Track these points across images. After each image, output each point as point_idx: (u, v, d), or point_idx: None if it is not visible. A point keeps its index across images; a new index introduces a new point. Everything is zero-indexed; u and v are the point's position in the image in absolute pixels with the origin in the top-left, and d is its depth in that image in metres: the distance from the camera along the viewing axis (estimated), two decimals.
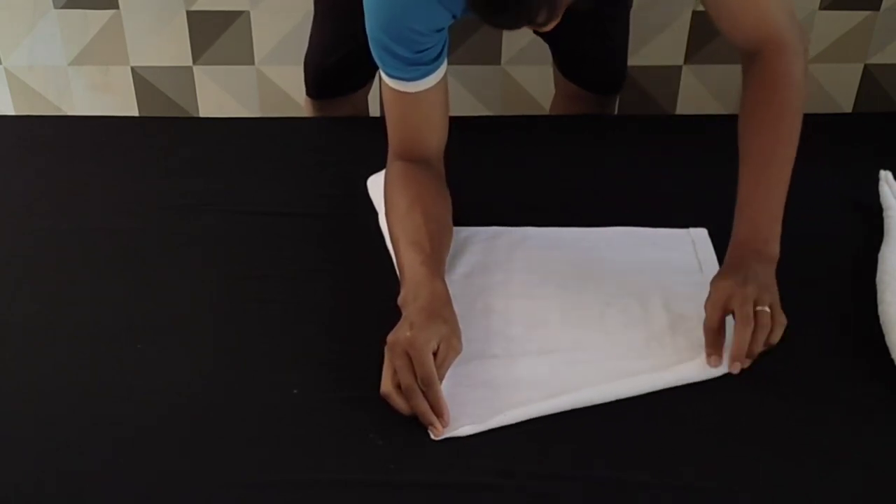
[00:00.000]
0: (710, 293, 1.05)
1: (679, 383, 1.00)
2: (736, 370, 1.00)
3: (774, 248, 1.09)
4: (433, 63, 1.11)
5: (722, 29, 1.16)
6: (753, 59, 1.14)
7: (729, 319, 1.03)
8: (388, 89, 1.14)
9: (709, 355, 1.01)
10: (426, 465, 0.92)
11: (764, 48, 1.13)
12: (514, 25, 0.91)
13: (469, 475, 0.91)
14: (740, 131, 1.14)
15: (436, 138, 1.19)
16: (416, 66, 1.10)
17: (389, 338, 0.98)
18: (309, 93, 1.60)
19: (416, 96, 1.13)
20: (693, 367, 1.02)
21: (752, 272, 1.05)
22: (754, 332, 1.00)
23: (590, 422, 0.97)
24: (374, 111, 1.68)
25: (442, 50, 1.11)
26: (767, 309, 1.02)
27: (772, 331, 1.02)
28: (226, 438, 0.95)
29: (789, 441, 0.95)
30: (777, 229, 1.09)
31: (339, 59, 1.51)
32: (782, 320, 1.03)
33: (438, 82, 1.13)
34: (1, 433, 0.95)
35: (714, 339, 1.02)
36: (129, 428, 0.96)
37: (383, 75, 1.13)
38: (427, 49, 1.09)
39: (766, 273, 1.06)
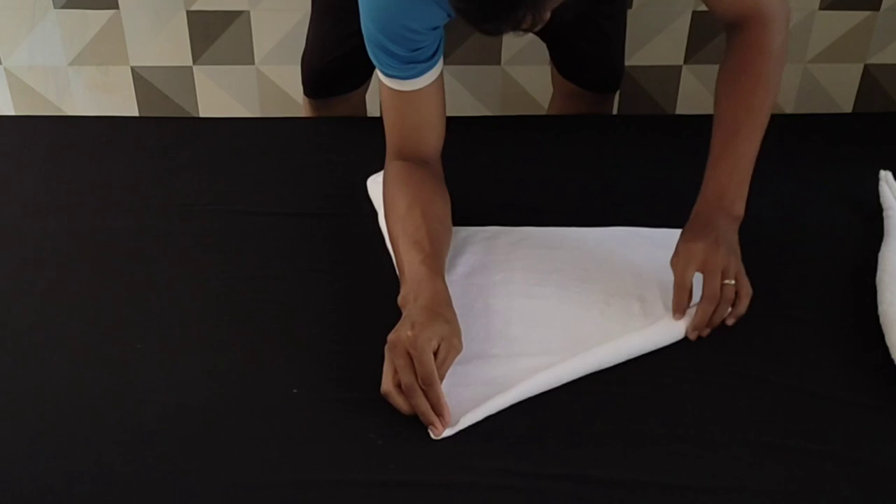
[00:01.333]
0: (679, 251, 1.10)
1: (649, 347, 1.05)
2: (693, 337, 1.06)
3: (740, 208, 1.14)
4: (429, 61, 1.11)
5: (707, 2, 1.19)
6: (735, 29, 1.17)
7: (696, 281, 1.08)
8: (385, 89, 1.14)
9: (675, 312, 1.07)
10: (426, 465, 0.92)
11: (746, 19, 1.15)
12: (498, 31, 0.91)
13: (469, 475, 0.91)
14: (717, 95, 1.18)
15: (433, 137, 1.19)
16: (412, 64, 1.10)
17: (390, 337, 0.98)
18: (306, 92, 1.61)
19: (412, 95, 1.13)
20: (659, 330, 1.06)
21: (721, 232, 1.10)
22: (717, 305, 1.06)
23: (590, 422, 0.97)
24: (372, 111, 1.68)
25: (438, 48, 1.11)
26: (733, 282, 1.07)
27: (739, 302, 1.07)
28: (226, 438, 0.95)
29: (789, 441, 0.95)
30: (744, 191, 1.14)
31: (336, 59, 1.51)
32: (748, 290, 1.08)
33: (435, 80, 1.13)
34: (1, 433, 0.95)
35: (685, 299, 1.07)
36: (130, 428, 0.96)
37: (380, 75, 1.14)
38: (423, 47, 1.09)
39: (732, 231, 1.12)
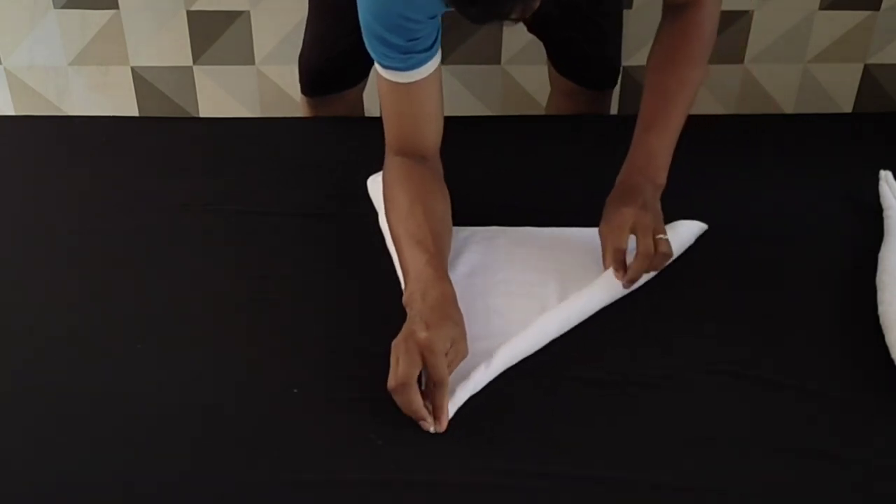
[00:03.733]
0: (610, 216, 1.15)
1: (599, 304, 1.11)
2: (626, 287, 1.12)
3: (664, 177, 1.20)
4: (427, 52, 1.11)
5: None
6: (674, 10, 1.23)
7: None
8: (384, 82, 1.14)
9: (617, 270, 1.12)
10: (426, 465, 0.92)
11: (688, 3, 1.21)
12: (484, 18, 0.90)
13: (469, 475, 0.91)
14: (649, 67, 1.25)
15: (432, 131, 1.19)
16: (410, 54, 1.09)
17: (402, 335, 0.97)
18: (304, 91, 1.60)
19: (410, 87, 1.13)
20: (604, 288, 1.12)
21: (647, 198, 1.16)
22: (654, 258, 1.12)
23: (590, 422, 0.97)
24: (370, 110, 1.68)
25: (435, 39, 1.11)
26: (666, 237, 1.12)
27: (659, 259, 1.12)
28: (226, 438, 0.95)
29: (789, 441, 0.95)
30: (668, 161, 1.20)
31: (333, 57, 1.51)
32: (671, 252, 1.13)
33: (433, 73, 1.13)
34: (1, 433, 0.95)
35: (624, 261, 1.12)
36: (129, 428, 0.96)
37: (378, 68, 1.13)
38: (420, 37, 1.08)
39: (655, 198, 1.18)
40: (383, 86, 1.15)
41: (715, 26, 1.23)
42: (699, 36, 1.22)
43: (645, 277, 1.14)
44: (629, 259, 1.12)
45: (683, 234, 1.21)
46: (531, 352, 1.05)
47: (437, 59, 1.13)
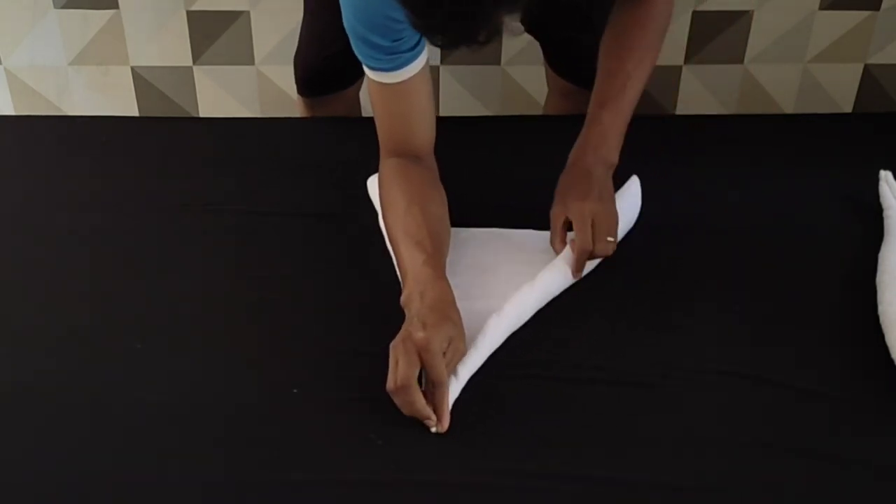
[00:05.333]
0: (569, 204, 1.16)
1: (556, 286, 1.14)
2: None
3: (616, 156, 1.22)
4: (412, 51, 1.11)
5: None
6: (627, 3, 1.25)
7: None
8: (373, 84, 1.14)
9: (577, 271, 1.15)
10: (426, 465, 0.92)
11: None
12: (450, 48, 0.91)
13: (469, 475, 0.91)
14: (606, 46, 1.26)
15: (424, 130, 1.19)
16: (396, 54, 1.10)
17: (400, 335, 0.97)
18: (300, 91, 1.60)
19: (399, 87, 1.13)
20: (560, 273, 1.14)
21: (602, 183, 1.19)
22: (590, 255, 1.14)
23: (590, 422, 0.97)
24: (367, 110, 1.68)
25: (420, 38, 1.10)
26: (612, 241, 1.15)
27: (596, 245, 1.14)
28: (225, 438, 0.95)
29: (789, 441, 0.95)
30: (621, 141, 1.22)
31: (327, 57, 1.51)
32: (613, 247, 1.16)
33: (420, 71, 1.13)
34: (1, 433, 0.95)
35: (563, 242, 1.17)
36: (129, 428, 0.96)
37: (366, 70, 1.14)
38: (404, 37, 1.08)
39: (608, 177, 1.21)
40: (373, 88, 1.15)
41: (667, 21, 1.26)
42: (656, 19, 1.24)
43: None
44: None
45: (629, 207, 1.24)
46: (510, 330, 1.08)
47: (424, 57, 1.13)
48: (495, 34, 0.88)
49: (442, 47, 0.92)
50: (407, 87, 1.13)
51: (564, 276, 1.15)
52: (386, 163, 1.19)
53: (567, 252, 1.15)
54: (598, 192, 1.17)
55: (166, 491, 0.89)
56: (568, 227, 1.17)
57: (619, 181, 1.25)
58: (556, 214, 1.18)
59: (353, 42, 1.11)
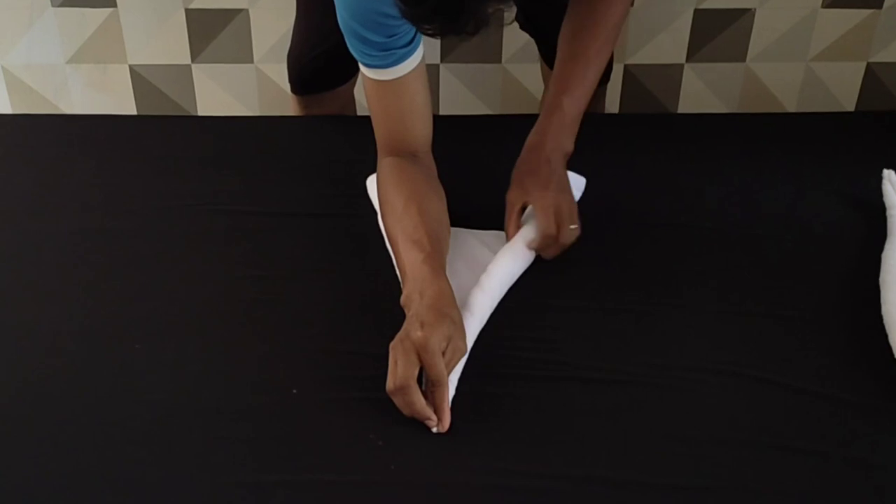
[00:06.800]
0: (530, 191, 1.18)
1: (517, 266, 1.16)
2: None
3: (572, 144, 1.24)
4: (407, 47, 1.10)
5: None
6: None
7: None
8: (369, 81, 1.14)
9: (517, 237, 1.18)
10: (426, 465, 0.92)
11: None
12: (438, 36, 0.92)
13: (469, 475, 0.91)
14: (565, 35, 1.27)
15: (421, 127, 1.19)
16: (390, 51, 1.09)
17: (399, 336, 0.97)
18: (294, 89, 1.60)
19: (395, 84, 1.13)
20: (521, 254, 1.16)
21: (558, 171, 1.21)
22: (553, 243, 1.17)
23: (590, 422, 0.97)
24: (362, 108, 1.67)
25: (415, 34, 1.10)
26: (575, 227, 1.17)
27: (561, 232, 1.16)
28: (225, 438, 0.94)
29: (789, 441, 0.95)
30: (577, 129, 1.24)
31: (320, 54, 1.50)
32: (577, 233, 1.18)
33: (416, 68, 1.13)
34: (1, 433, 0.95)
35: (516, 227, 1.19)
36: (129, 428, 0.95)
37: (362, 68, 1.13)
38: (398, 33, 1.08)
39: (563, 165, 1.23)
40: (368, 85, 1.15)
41: (626, 10, 1.27)
42: (613, 14, 1.25)
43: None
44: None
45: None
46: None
47: (419, 54, 1.13)
48: (483, 25, 0.89)
49: (432, 36, 0.93)
50: (402, 83, 1.13)
51: (524, 257, 1.16)
52: (383, 162, 1.19)
53: (524, 235, 1.17)
54: (558, 181, 1.19)
55: (166, 491, 0.88)
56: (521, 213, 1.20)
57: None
58: (513, 200, 1.20)
59: (347, 39, 1.11)
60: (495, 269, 1.13)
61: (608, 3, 1.24)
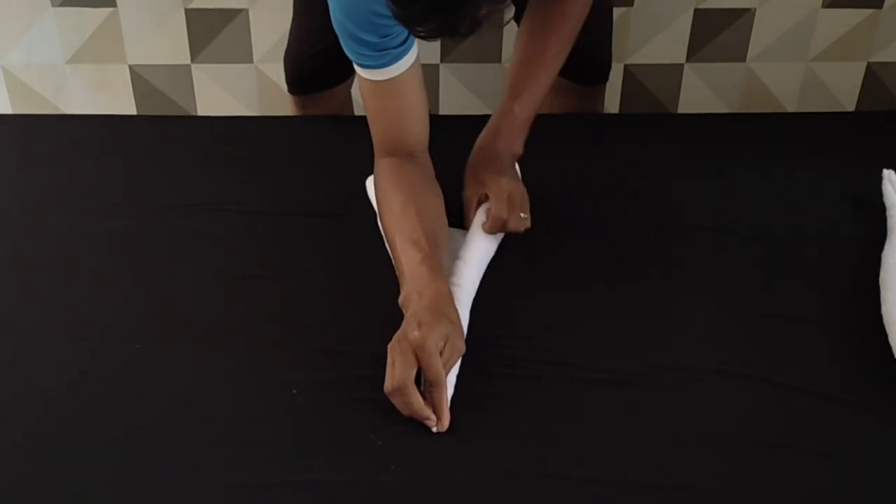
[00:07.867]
0: (486, 181, 1.20)
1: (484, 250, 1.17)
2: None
3: (521, 146, 1.27)
4: (402, 47, 1.10)
5: None
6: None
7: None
8: (364, 82, 1.14)
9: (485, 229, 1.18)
10: (426, 465, 0.91)
11: None
12: (432, 38, 0.93)
13: (469, 475, 0.90)
14: (522, 39, 1.29)
15: (417, 127, 1.19)
16: (385, 51, 1.10)
17: (396, 336, 0.97)
18: (291, 89, 1.60)
19: (390, 84, 1.13)
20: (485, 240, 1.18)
21: (507, 167, 1.23)
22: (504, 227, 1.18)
23: (589, 422, 0.97)
24: (360, 109, 1.67)
25: (409, 34, 1.10)
26: (525, 217, 1.19)
27: (510, 217, 1.17)
28: (225, 438, 0.94)
29: (789, 441, 0.95)
30: (527, 132, 1.27)
31: (317, 54, 1.50)
32: (528, 223, 1.20)
33: (411, 68, 1.13)
34: (1, 433, 0.94)
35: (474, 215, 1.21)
36: (129, 428, 0.95)
37: (357, 68, 1.14)
38: (392, 33, 1.08)
39: (514, 167, 1.26)
40: (364, 86, 1.15)
41: (583, 18, 1.28)
42: (570, 21, 1.27)
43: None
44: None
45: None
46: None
47: (414, 53, 1.13)
48: (477, 26, 0.89)
49: (424, 38, 0.93)
50: (398, 83, 1.13)
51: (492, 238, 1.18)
52: (380, 163, 1.19)
53: (480, 218, 1.19)
54: (511, 174, 1.23)
55: (166, 491, 0.88)
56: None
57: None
58: (470, 195, 1.22)
59: (342, 40, 1.11)
60: (470, 244, 1.15)
61: (567, 12, 1.25)
